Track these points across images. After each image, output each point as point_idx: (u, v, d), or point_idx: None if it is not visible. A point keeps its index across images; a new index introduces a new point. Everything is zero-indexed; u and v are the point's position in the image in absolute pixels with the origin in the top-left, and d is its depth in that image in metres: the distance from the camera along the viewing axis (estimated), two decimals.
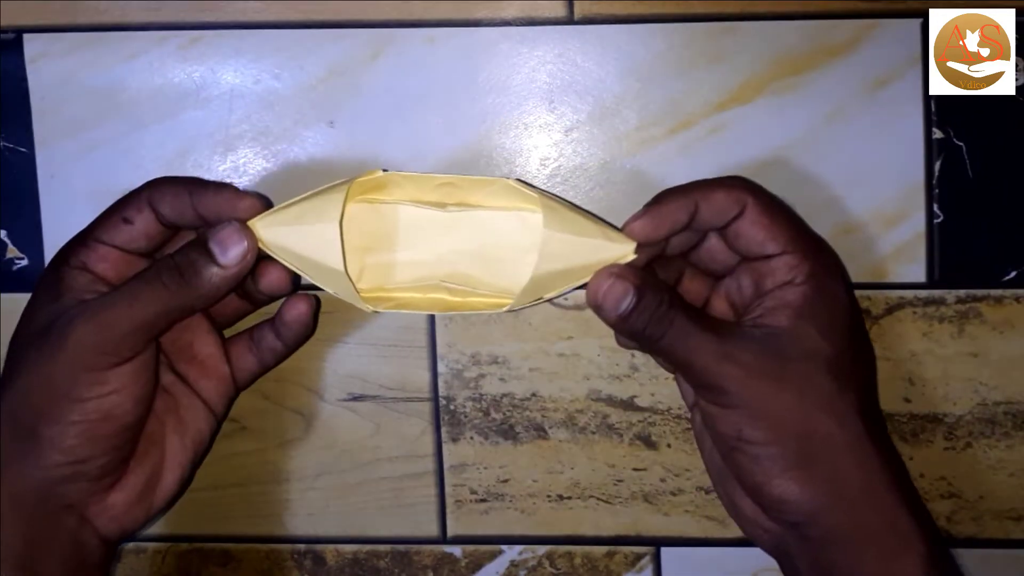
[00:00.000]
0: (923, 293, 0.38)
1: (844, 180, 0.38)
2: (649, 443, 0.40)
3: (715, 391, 0.32)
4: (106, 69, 0.39)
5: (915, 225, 0.38)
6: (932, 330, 0.38)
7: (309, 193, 0.34)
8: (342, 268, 0.33)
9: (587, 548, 0.41)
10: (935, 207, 0.38)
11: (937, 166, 0.38)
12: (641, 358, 0.39)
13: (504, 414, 0.40)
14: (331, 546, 0.41)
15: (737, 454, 0.32)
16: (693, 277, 0.37)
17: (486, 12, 0.38)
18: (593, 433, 0.40)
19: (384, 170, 0.35)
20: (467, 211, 0.36)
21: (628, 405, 0.40)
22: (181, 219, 0.34)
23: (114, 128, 0.39)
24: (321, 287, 0.34)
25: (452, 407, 0.40)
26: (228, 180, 0.39)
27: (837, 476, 0.31)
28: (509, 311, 0.35)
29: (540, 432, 0.40)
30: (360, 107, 0.39)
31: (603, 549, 0.41)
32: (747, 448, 0.32)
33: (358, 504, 0.41)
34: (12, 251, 0.40)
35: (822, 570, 0.32)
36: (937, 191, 0.38)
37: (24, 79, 0.39)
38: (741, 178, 0.34)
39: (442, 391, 0.40)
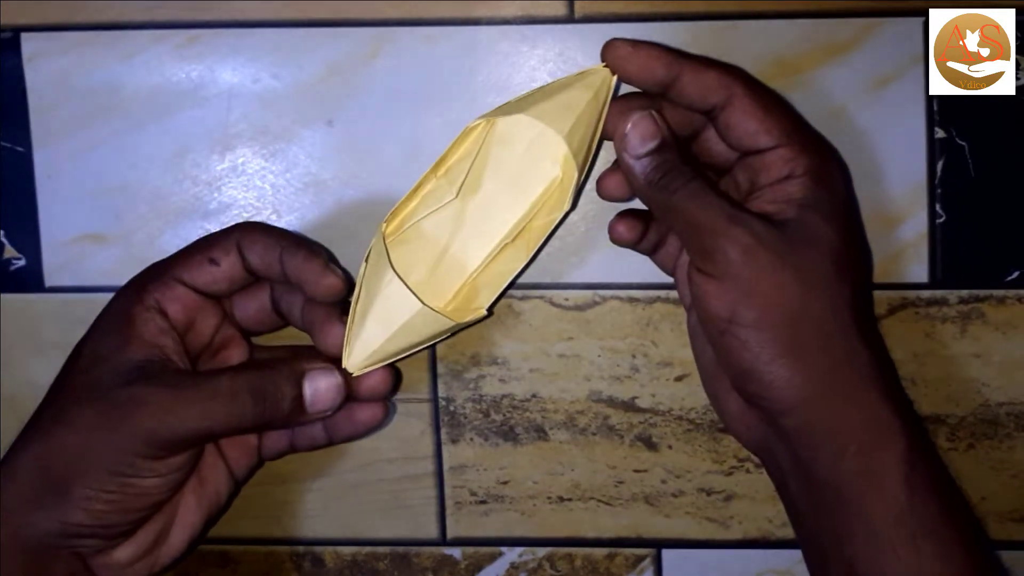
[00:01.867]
0: (925, 293, 0.38)
1: None
2: (650, 444, 0.40)
3: (716, 258, 0.31)
4: (104, 68, 0.39)
5: (917, 225, 0.38)
6: (934, 331, 0.38)
7: (359, 292, 0.34)
8: (452, 323, 0.35)
9: (587, 550, 0.41)
10: (937, 207, 0.38)
11: (939, 166, 0.38)
12: (641, 359, 0.39)
13: (504, 415, 0.40)
14: (330, 548, 0.41)
15: (727, 338, 0.32)
16: None
17: (486, 11, 0.38)
18: (594, 434, 0.40)
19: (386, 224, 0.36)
20: (467, 179, 0.35)
21: (629, 406, 0.40)
22: (267, 272, 0.34)
23: (112, 127, 0.39)
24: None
25: (452, 408, 0.40)
26: (227, 180, 0.39)
27: (823, 366, 0.31)
28: (573, 206, 0.35)
29: (540, 433, 0.40)
30: (359, 106, 0.39)
31: (604, 551, 0.41)
32: (738, 331, 0.31)
33: (357, 505, 0.41)
34: (9, 251, 0.40)
35: (803, 465, 0.32)
36: (939, 191, 0.38)
37: (22, 78, 0.39)
38: (738, 68, 0.34)
39: (442, 392, 0.40)
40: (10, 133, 0.39)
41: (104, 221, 0.39)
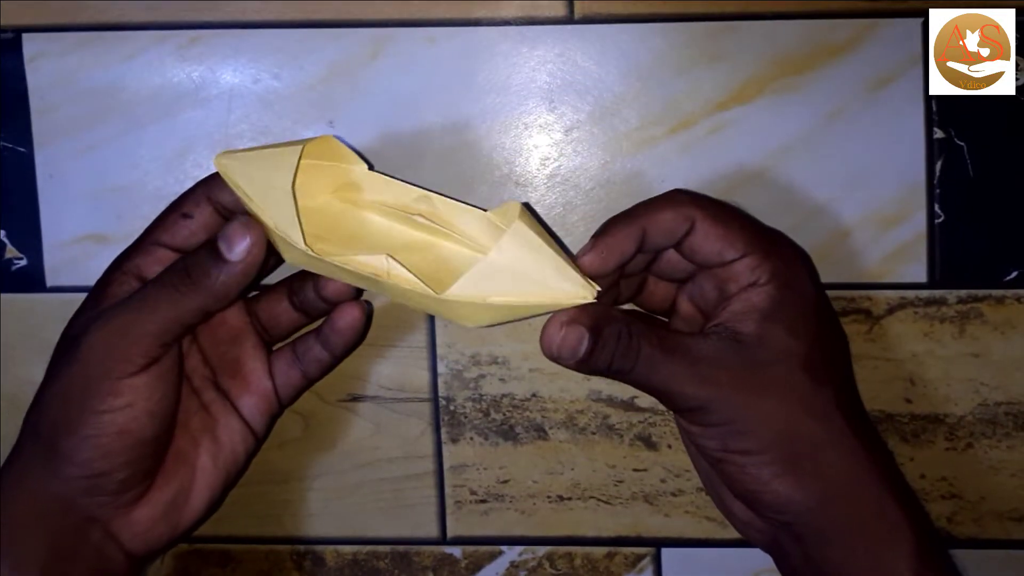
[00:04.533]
0: (924, 293, 0.38)
1: (845, 180, 0.38)
2: (649, 444, 0.40)
3: (694, 412, 0.32)
4: (105, 69, 0.39)
5: (916, 225, 0.38)
6: (933, 330, 0.38)
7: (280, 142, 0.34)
8: (289, 187, 0.32)
9: (587, 549, 0.41)
10: (936, 207, 0.38)
11: (938, 166, 0.38)
12: None
13: (504, 415, 0.40)
14: (331, 547, 0.41)
15: (724, 464, 0.32)
16: (657, 282, 0.36)
17: (486, 12, 0.38)
18: (593, 434, 0.40)
19: (370, 165, 0.35)
20: (436, 239, 0.35)
21: (628, 406, 0.40)
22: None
23: (113, 128, 0.39)
24: (260, 217, 0.33)
25: (452, 407, 0.40)
26: None
27: (824, 474, 0.31)
28: (440, 297, 0.32)
29: (540, 433, 0.40)
30: (360, 107, 0.39)
31: (603, 550, 0.41)
32: (733, 458, 0.32)
33: (358, 505, 0.41)
34: (11, 251, 0.40)
35: (816, 565, 0.32)
36: (938, 191, 0.38)
37: (23, 79, 0.39)
38: (684, 192, 0.34)
39: (442, 391, 0.40)
40: (11, 133, 0.40)
41: (105, 221, 0.40)
